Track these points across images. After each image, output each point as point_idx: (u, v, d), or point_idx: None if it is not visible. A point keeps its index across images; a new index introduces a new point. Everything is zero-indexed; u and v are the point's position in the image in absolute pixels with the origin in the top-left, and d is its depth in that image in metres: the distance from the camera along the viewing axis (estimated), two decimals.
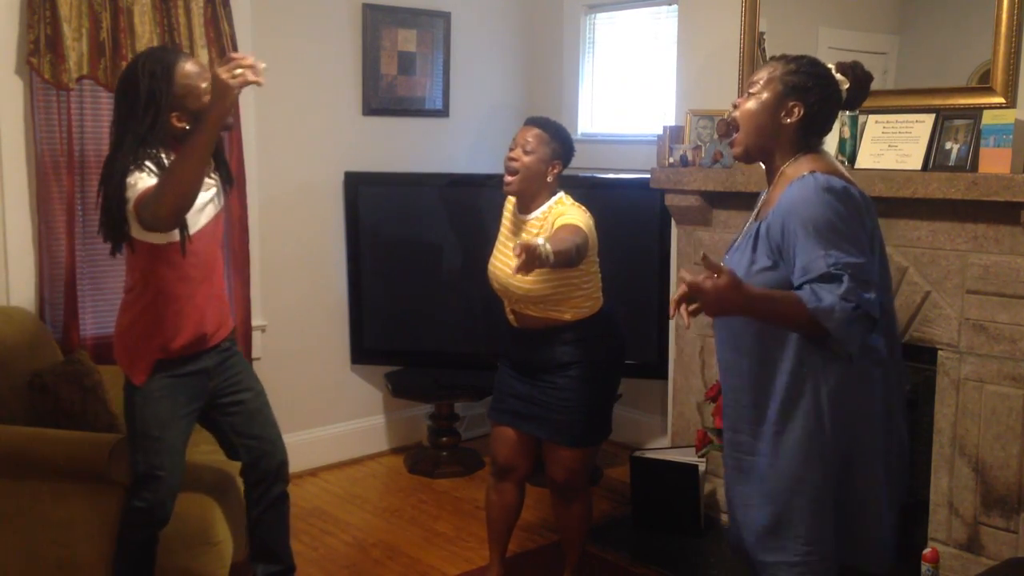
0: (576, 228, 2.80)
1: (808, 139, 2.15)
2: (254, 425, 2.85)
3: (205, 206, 2.64)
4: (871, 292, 1.96)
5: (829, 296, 1.92)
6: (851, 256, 1.96)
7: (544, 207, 2.94)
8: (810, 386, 2.06)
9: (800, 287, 1.98)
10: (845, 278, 1.93)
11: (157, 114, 2.50)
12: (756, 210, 2.24)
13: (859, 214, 2.04)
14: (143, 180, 2.45)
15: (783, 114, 2.12)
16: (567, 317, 2.93)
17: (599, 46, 4.90)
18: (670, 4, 4.41)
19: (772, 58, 2.22)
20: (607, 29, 4.87)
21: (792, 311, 1.95)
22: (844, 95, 2.17)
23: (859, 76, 2.18)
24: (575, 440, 2.97)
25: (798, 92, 2.11)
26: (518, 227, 2.98)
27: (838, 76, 2.16)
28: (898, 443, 2.20)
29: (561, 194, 2.97)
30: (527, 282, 2.84)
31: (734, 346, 2.19)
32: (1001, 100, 3.00)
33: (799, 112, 2.11)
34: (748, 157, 2.21)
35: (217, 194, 2.73)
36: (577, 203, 2.96)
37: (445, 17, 4.64)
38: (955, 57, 3.23)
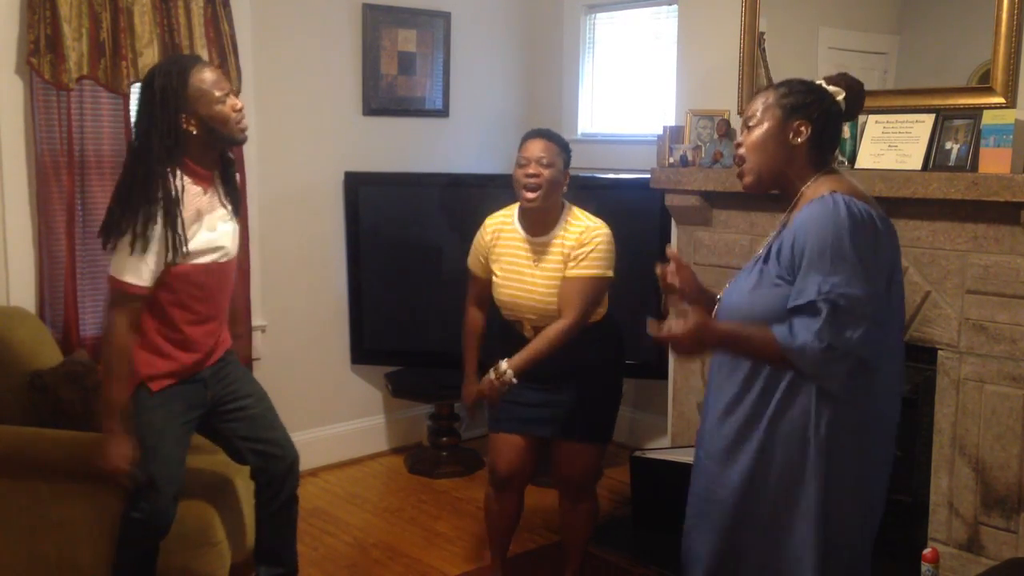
0: (591, 284, 2.85)
1: (821, 156, 2.10)
2: (260, 429, 2.84)
3: (210, 251, 2.62)
4: (858, 329, 1.89)
5: (803, 334, 1.89)
6: (850, 287, 1.89)
7: (560, 226, 2.90)
8: (798, 422, 2.00)
9: (788, 312, 1.93)
10: (825, 312, 1.87)
11: (170, 113, 2.52)
12: (776, 233, 2.15)
13: (875, 243, 1.96)
14: (122, 253, 2.49)
15: (791, 136, 2.07)
16: (591, 321, 2.94)
17: (599, 46, 4.90)
18: (670, 4, 4.41)
19: (758, 91, 2.18)
20: (607, 29, 4.87)
21: (766, 350, 1.94)
22: (843, 105, 2.12)
23: (850, 83, 2.14)
24: (598, 436, 3.02)
25: (800, 111, 2.07)
26: (537, 251, 2.92)
27: (831, 88, 2.11)
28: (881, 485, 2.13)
29: (572, 208, 2.94)
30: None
31: (731, 368, 2.12)
32: (1001, 100, 3.00)
33: (807, 131, 2.06)
34: (761, 186, 2.12)
35: (230, 237, 2.70)
36: (589, 215, 2.94)
37: (445, 17, 4.64)
38: (955, 57, 3.23)
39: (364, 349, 4.49)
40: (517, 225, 2.96)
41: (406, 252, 4.45)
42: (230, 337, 2.88)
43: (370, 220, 4.40)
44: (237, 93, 2.67)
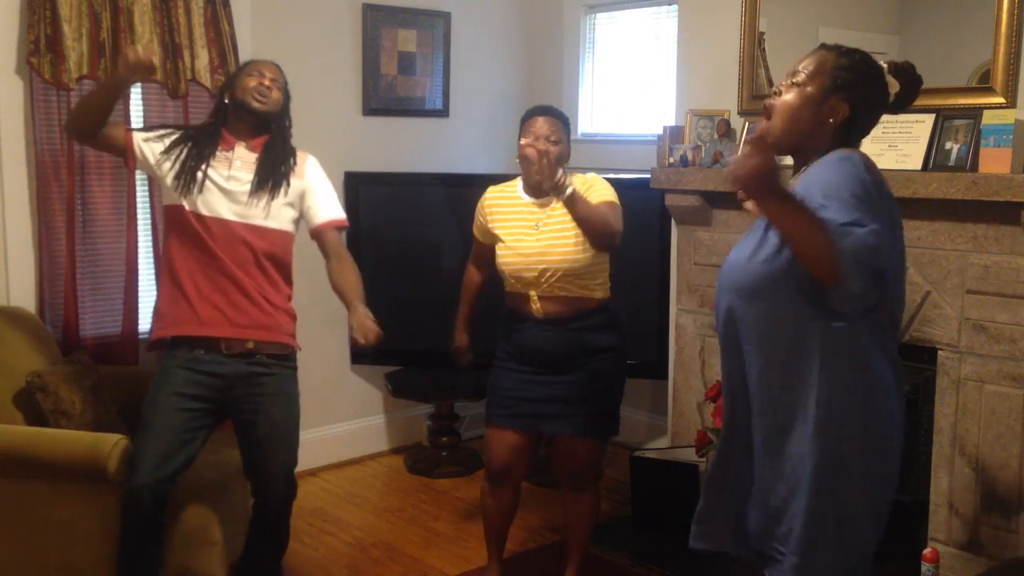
0: (614, 208, 2.86)
1: (846, 140, 1.98)
2: (257, 453, 2.83)
3: (222, 194, 2.77)
4: (881, 259, 1.80)
5: (851, 228, 1.76)
6: (872, 223, 1.77)
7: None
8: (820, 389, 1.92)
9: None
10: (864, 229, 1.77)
11: (223, 93, 2.91)
12: None
13: (881, 187, 1.89)
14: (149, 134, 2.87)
15: (826, 112, 1.95)
16: (598, 295, 2.96)
17: (599, 46, 4.90)
18: (670, 4, 4.41)
19: (823, 46, 2.01)
20: (607, 29, 4.87)
21: (811, 223, 1.74)
22: (891, 98, 2.00)
23: (911, 79, 2.01)
24: (603, 431, 3.02)
25: (845, 90, 1.94)
26: (539, 215, 2.97)
27: (889, 78, 1.98)
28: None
29: (571, 175, 2.99)
30: (570, 253, 2.88)
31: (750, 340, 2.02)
32: (1001, 100, 3.01)
33: (844, 113, 1.94)
34: (778, 150, 1.98)
35: (224, 198, 2.77)
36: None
37: (445, 17, 4.64)
38: (955, 57, 3.23)
39: (364, 349, 4.48)
40: (522, 193, 3.02)
41: (406, 252, 4.44)
42: (281, 338, 2.87)
43: (370, 220, 4.39)
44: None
